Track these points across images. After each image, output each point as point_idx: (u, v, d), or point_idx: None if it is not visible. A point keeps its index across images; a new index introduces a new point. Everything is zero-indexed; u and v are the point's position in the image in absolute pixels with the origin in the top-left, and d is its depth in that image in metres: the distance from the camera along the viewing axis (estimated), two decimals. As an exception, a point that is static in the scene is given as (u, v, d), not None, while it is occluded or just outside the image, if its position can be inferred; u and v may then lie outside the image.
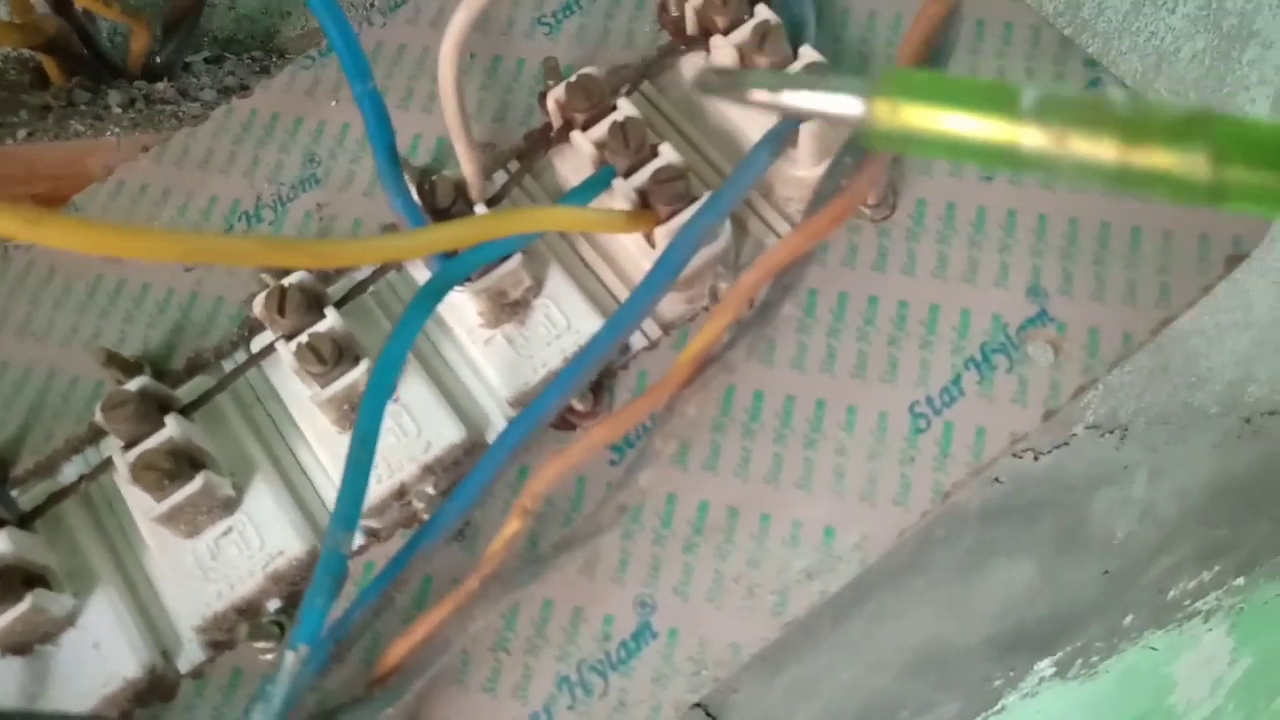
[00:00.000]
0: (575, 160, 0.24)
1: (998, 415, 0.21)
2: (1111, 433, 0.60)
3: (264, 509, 0.22)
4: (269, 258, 0.16)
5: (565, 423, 0.23)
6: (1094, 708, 0.61)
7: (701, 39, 0.25)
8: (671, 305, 0.23)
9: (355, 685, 0.20)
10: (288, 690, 0.17)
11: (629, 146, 0.22)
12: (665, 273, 0.21)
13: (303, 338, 0.22)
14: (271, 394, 0.24)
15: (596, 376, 0.23)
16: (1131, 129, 0.10)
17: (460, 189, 0.23)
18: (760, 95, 0.13)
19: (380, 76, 0.27)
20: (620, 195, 0.22)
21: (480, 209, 0.23)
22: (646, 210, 0.22)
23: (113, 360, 0.23)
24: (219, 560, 0.22)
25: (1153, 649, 0.60)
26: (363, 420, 0.19)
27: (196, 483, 0.21)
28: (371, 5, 0.27)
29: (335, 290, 0.24)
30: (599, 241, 0.24)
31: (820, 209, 0.17)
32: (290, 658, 0.17)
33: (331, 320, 0.22)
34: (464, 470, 0.23)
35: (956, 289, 0.23)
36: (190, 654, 0.22)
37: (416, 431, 0.22)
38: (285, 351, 0.22)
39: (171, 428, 0.22)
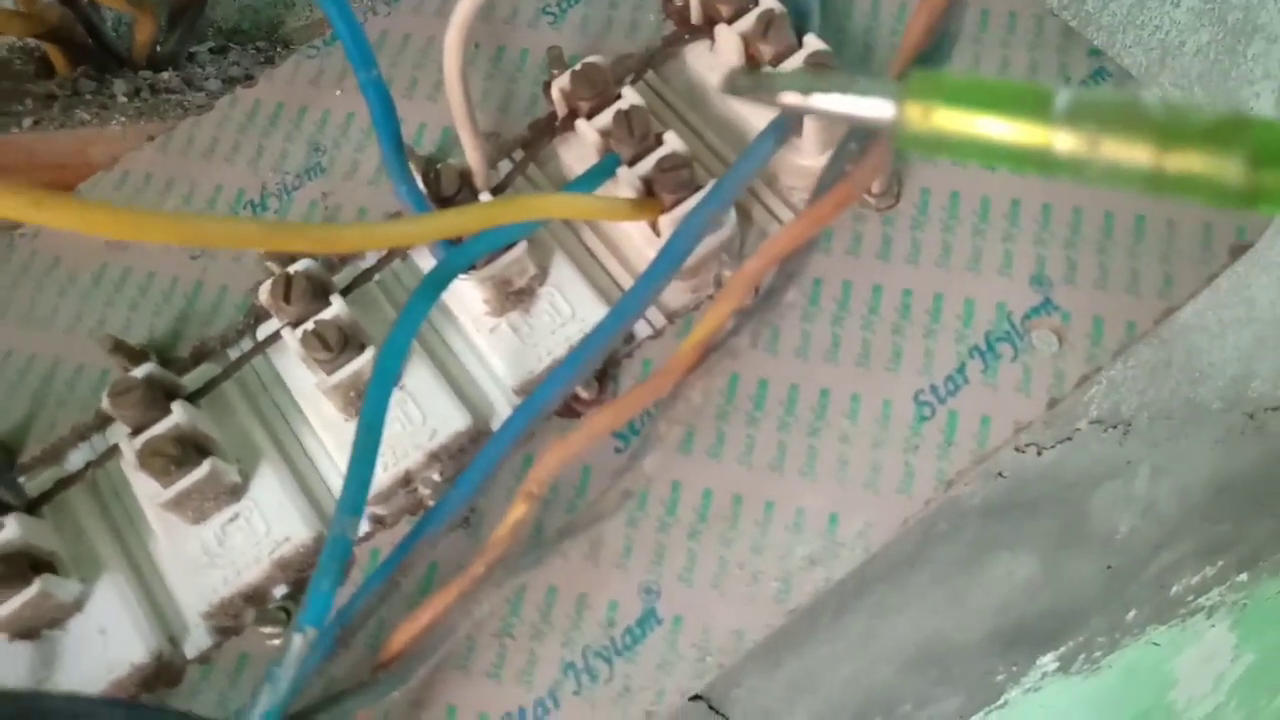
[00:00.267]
0: (580, 149, 0.24)
1: (1002, 403, 0.22)
2: (1114, 428, 0.60)
3: (270, 496, 0.22)
4: (271, 241, 0.17)
5: (570, 410, 0.23)
6: (1096, 703, 0.61)
7: (706, 28, 0.25)
8: (676, 294, 0.24)
9: (360, 671, 0.20)
10: (294, 674, 0.17)
11: (634, 135, 0.22)
12: (670, 260, 0.21)
13: (309, 325, 0.22)
14: (277, 381, 0.24)
15: (601, 365, 0.23)
16: (1166, 133, 0.10)
17: (465, 177, 0.23)
18: (790, 98, 0.13)
19: (385, 66, 0.27)
20: (625, 183, 0.22)
21: (485, 197, 0.23)
22: (651, 198, 0.22)
23: (119, 348, 0.23)
24: (225, 546, 0.22)
25: (1155, 644, 0.60)
26: (369, 407, 0.19)
27: (203, 469, 0.21)
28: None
29: (341, 278, 0.24)
30: (603, 230, 0.24)
31: (824, 195, 0.17)
32: (297, 641, 0.17)
33: (337, 307, 0.22)
34: (469, 458, 0.23)
35: (961, 278, 0.23)
36: (197, 640, 0.22)
37: (422, 419, 0.22)
38: (291, 339, 0.22)
39: (178, 414, 0.22)
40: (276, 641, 0.21)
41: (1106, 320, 0.22)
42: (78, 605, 0.22)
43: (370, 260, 0.25)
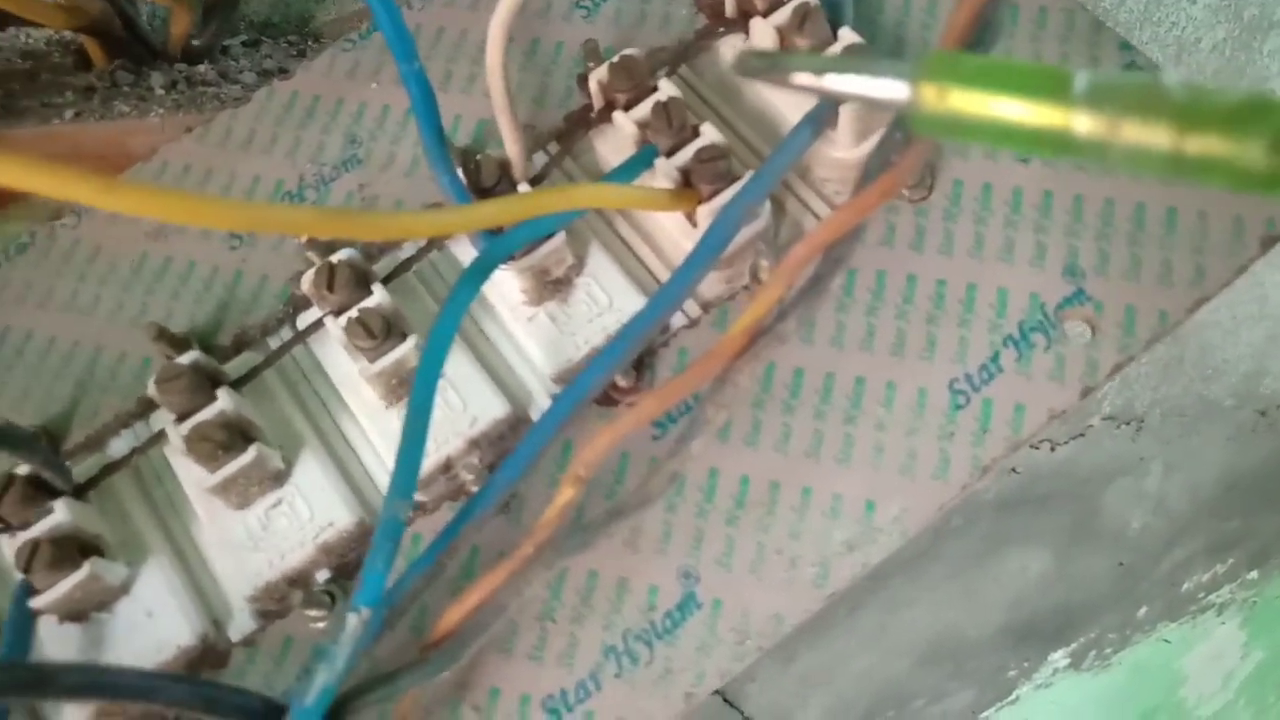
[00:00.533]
0: (616, 140, 0.25)
1: (1036, 392, 0.22)
2: (1127, 424, 0.60)
3: (313, 481, 0.23)
4: (326, 228, 0.17)
5: (607, 399, 0.23)
6: (1106, 700, 0.61)
7: (740, 21, 0.26)
8: (711, 284, 0.24)
9: (403, 652, 0.21)
10: (350, 652, 0.17)
11: (671, 126, 0.23)
12: (709, 250, 0.21)
13: (352, 313, 0.22)
14: (317, 370, 0.24)
15: (638, 354, 0.23)
16: (1187, 115, 0.10)
17: (504, 168, 0.24)
18: (802, 78, 0.13)
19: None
20: (662, 174, 0.23)
21: (524, 188, 0.23)
22: (689, 189, 0.23)
23: (162, 335, 0.24)
24: (269, 531, 0.22)
25: (1166, 641, 0.60)
26: (418, 391, 0.19)
27: (249, 454, 0.22)
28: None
29: (380, 268, 0.25)
30: (638, 221, 0.25)
31: (870, 184, 0.17)
32: (352, 620, 0.17)
33: (379, 296, 0.22)
34: (508, 445, 0.23)
35: (994, 268, 0.23)
36: (241, 623, 0.22)
37: (462, 406, 0.23)
38: (334, 327, 0.22)
39: (224, 401, 0.22)
40: (321, 625, 0.22)
41: (1139, 310, 0.22)
42: (124, 588, 0.22)
43: (409, 251, 0.25)
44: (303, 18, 0.32)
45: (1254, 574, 0.61)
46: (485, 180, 0.23)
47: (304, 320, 0.25)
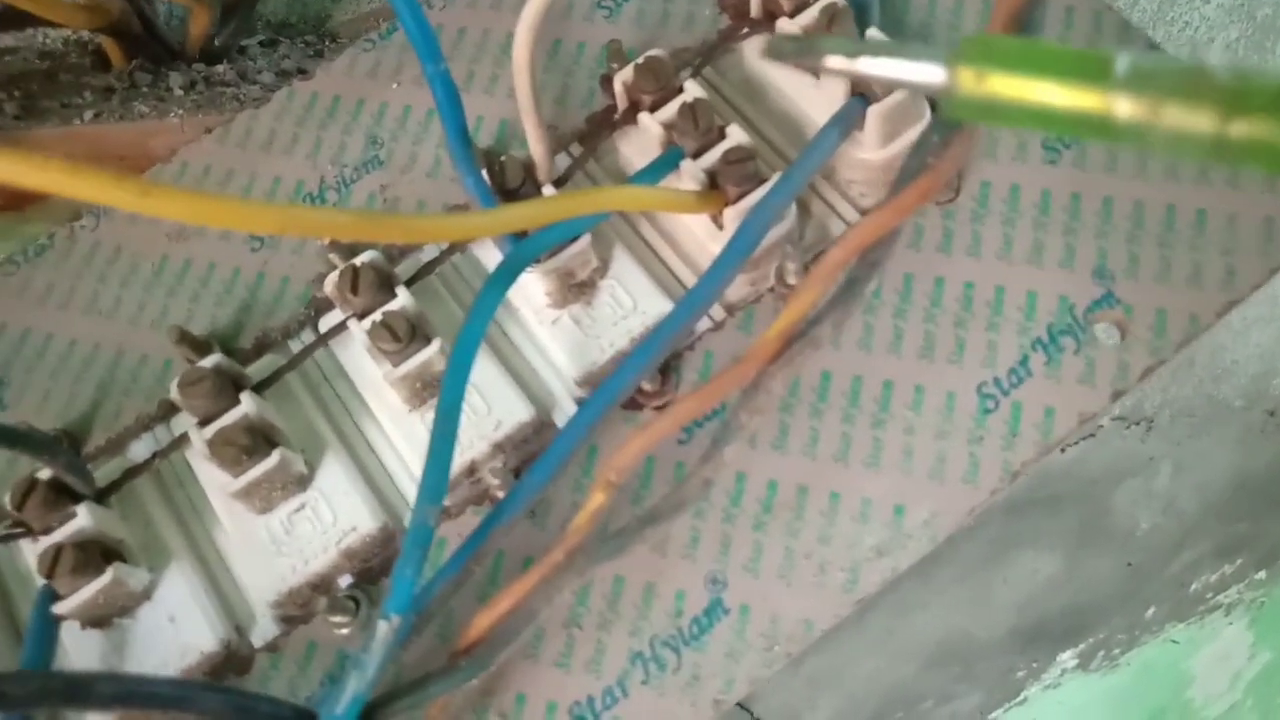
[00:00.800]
0: (641, 142, 0.24)
1: (1066, 396, 0.22)
2: (1137, 424, 0.60)
3: (336, 486, 0.23)
4: (360, 231, 0.17)
5: (633, 403, 0.23)
6: (1114, 700, 0.61)
7: (765, 21, 0.25)
8: (736, 287, 0.24)
9: (430, 658, 0.21)
10: (380, 659, 0.17)
11: (698, 127, 0.23)
12: (737, 252, 0.21)
13: (376, 316, 0.22)
14: (339, 373, 0.24)
15: (665, 358, 0.23)
16: (1232, 99, 0.09)
17: (529, 170, 0.23)
18: (836, 61, 0.12)
19: (440, 60, 0.27)
20: (689, 176, 0.22)
21: (548, 190, 0.23)
22: (715, 191, 0.22)
23: (184, 338, 0.23)
24: (292, 536, 0.22)
25: (1174, 642, 0.60)
26: (446, 395, 0.19)
27: (273, 459, 0.21)
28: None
29: (403, 270, 0.25)
30: (662, 224, 0.25)
31: (907, 186, 0.17)
32: (383, 628, 0.17)
33: (403, 299, 0.22)
34: (532, 448, 0.23)
35: (1022, 271, 0.23)
36: (264, 628, 0.22)
37: (487, 410, 0.23)
38: (358, 330, 0.22)
39: (247, 405, 0.22)
40: (345, 631, 0.22)
41: (1170, 313, 0.22)
42: (147, 594, 0.22)
43: (432, 253, 0.25)
44: (320, 17, 0.32)
45: (1262, 574, 0.60)
46: (510, 182, 0.23)
47: (326, 323, 0.25)
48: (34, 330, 0.26)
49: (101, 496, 0.23)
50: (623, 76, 0.24)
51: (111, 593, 0.21)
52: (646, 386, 0.23)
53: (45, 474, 0.22)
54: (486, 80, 0.27)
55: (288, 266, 0.26)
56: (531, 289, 0.23)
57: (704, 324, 0.24)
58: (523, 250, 0.21)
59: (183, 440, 0.24)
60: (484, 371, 0.23)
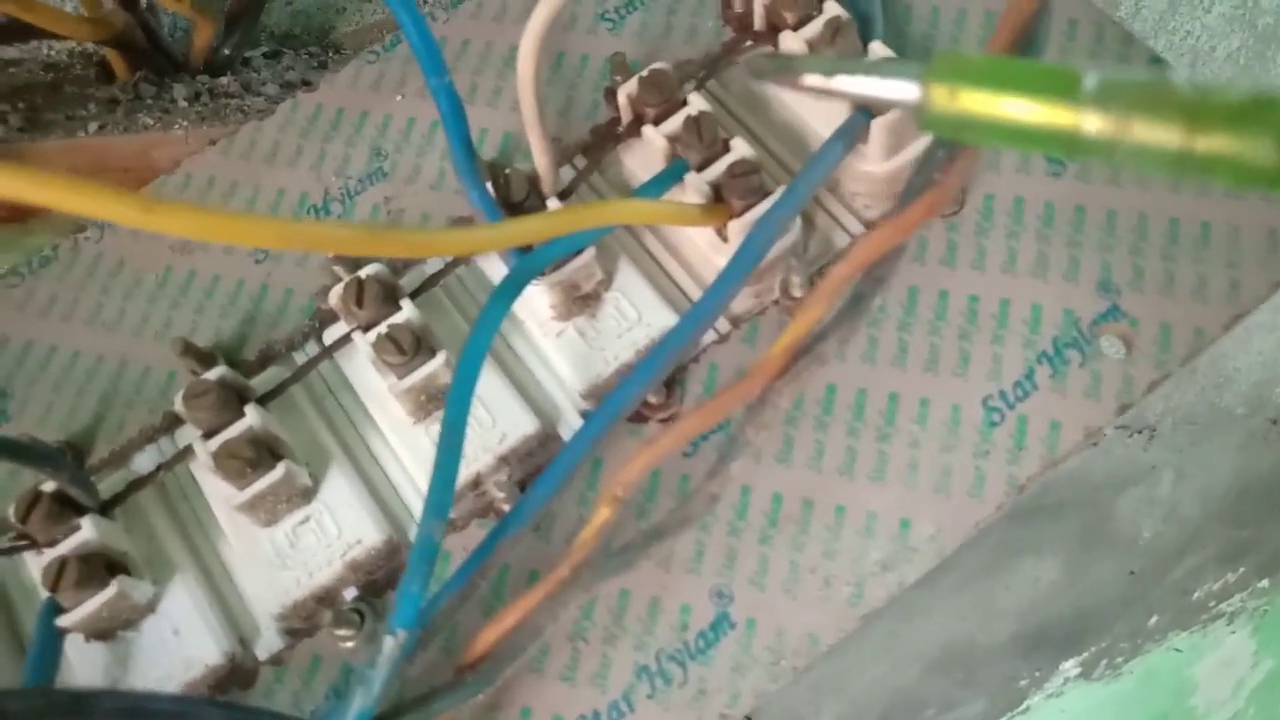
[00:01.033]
0: (645, 155, 0.25)
1: (1072, 409, 0.22)
2: (1140, 433, 0.60)
3: (341, 498, 0.23)
4: (368, 246, 0.17)
5: (638, 416, 0.23)
6: (1117, 709, 0.61)
7: (769, 34, 0.26)
8: (741, 299, 0.24)
9: (435, 673, 0.21)
10: (386, 675, 0.17)
11: (702, 140, 0.23)
12: (743, 265, 0.21)
13: (381, 328, 0.22)
14: (344, 385, 0.24)
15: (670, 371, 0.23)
16: (1195, 113, 0.10)
17: (533, 183, 0.23)
18: (813, 80, 0.12)
19: (444, 72, 0.27)
20: (693, 189, 0.22)
21: (553, 202, 0.23)
22: (720, 204, 0.22)
23: (188, 350, 0.23)
24: (297, 549, 0.22)
25: (1176, 650, 0.60)
26: (451, 409, 0.19)
27: (278, 471, 0.21)
28: (434, 0, 0.27)
29: (407, 283, 0.25)
30: (667, 237, 0.25)
31: (913, 201, 0.17)
32: (389, 643, 0.17)
33: (408, 311, 0.22)
34: (537, 461, 0.23)
35: (1027, 284, 0.23)
36: (268, 641, 0.22)
37: (492, 423, 0.23)
38: (363, 343, 0.22)
39: (251, 417, 0.22)
40: (350, 644, 0.22)
41: (1175, 326, 0.22)
42: (151, 607, 0.22)
43: (436, 266, 0.25)
44: (323, 29, 0.32)
45: (1264, 582, 0.60)
46: (515, 194, 0.23)
47: (330, 335, 0.25)
48: (37, 342, 0.26)
49: (106, 509, 0.23)
50: (627, 89, 0.24)
51: (115, 606, 0.21)
52: (651, 399, 0.23)
53: (49, 486, 0.22)
54: (490, 93, 0.27)
55: (292, 279, 0.26)
56: (536, 302, 0.23)
57: (709, 337, 0.24)
58: (528, 263, 0.21)
59: (187, 453, 0.24)
60: (489, 384, 0.23)
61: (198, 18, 0.29)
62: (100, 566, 0.21)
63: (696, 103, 0.23)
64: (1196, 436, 0.59)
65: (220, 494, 0.22)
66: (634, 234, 0.25)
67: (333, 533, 0.22)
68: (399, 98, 0.27)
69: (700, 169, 0.23)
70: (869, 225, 0.24)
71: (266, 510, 0.22)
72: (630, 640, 0.21)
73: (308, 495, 0.23)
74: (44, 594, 0.21)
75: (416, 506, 0.23)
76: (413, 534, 0.22)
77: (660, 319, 0.23)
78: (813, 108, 0.24)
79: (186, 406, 0.22)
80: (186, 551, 0.23)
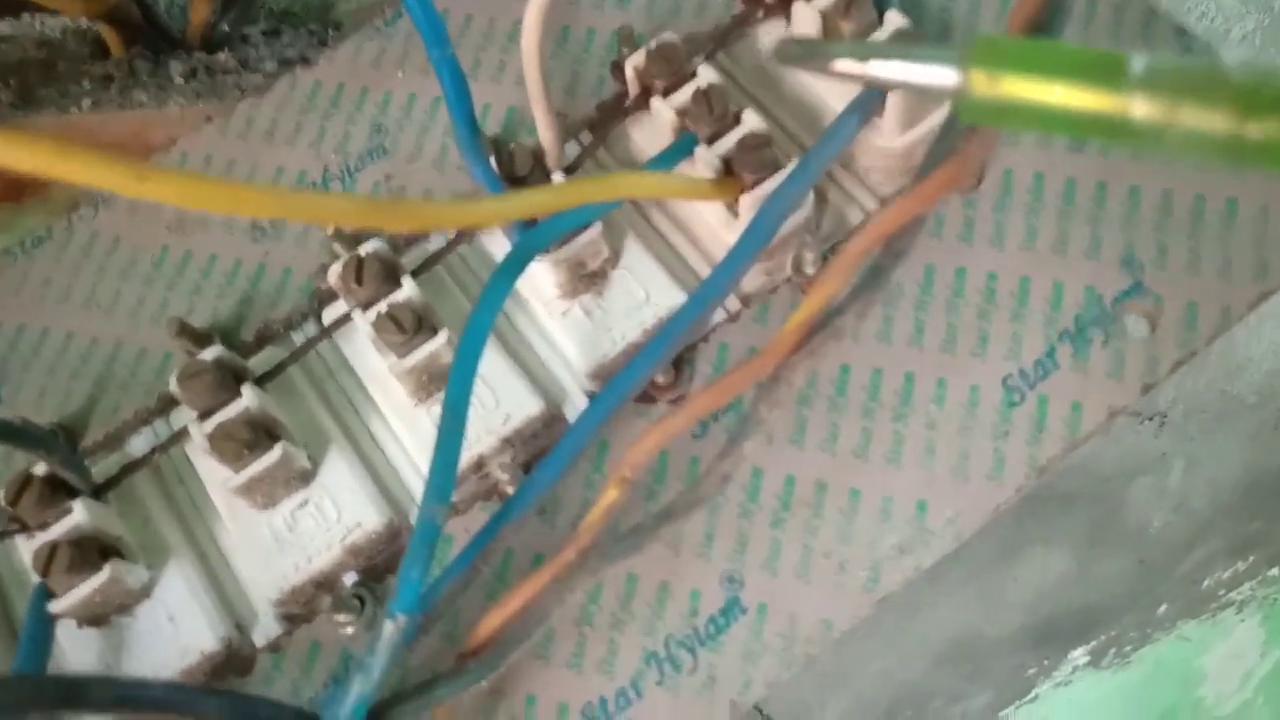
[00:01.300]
0: (653, 129, 0.24)
1: (1094, 389, 0.21)
2: (1150, 420, 0.59)
3: (340, 481, 0.22)
4: (368, 217, 0.16)
5: (645, 396, 0.22)
6: (1125, 699, 0.60)
7: (780, 6, 0.25)
8: (752, 278, 0.23)
9: (436, 659, 0.20)
10: (386, 661, 0.16)
11: (712, 113, 0.22)
12: (754, 241, 0.20)
13: (381, 307, 0.21)
14: (344, 366, 0.24)
15: (678, 351, 0.22)
16: (1248, 98, 0.09)
17: (538, 158, 0.23)
18: (845, 65, 0.12)
19: (446, 46, 0.26)
20: (703, 163, 0.22)
21: (558, 177, 0.23)
22: (731, 178, 0.22)
23: (184, 331, 0.23)
24: (295, 533, 0.21)
25: (1185, 640, 0.59)
26: (453, 389, 0.18)
27: (275, 453, 0.21)
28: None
29: (408, 261, 0.24)
30: (675, 213, 0.24)
31: (933, 173, 0.16)
32: (389, 628, 0.16)
33: (409, 289, 0.22)
34: (542, 443, 0.22)
35: (1047, 261, 0.22)
36: (266, 628, 0.22)
37: (495, 404, 0.22)
38: (363, 322, 0.22)
39: (248, 398, 0.21)
40: (349, 630, 0.21)
41: (1200, 305, 0.21)
42: (145, 592, 0.22)
43: (438, 243, 0.24)
44: (323, 6, 0.32)
45: (1274, 571, 0.60)
46: (519, 169, 0.22)
47: (329, 315, 0.24)
48: (30, 324, 0.25)
49: (99, 493, 0.23)
50: (634, 61, 0.23)
51: (108, 591, 0.21)
52: (660, 380, 0.22)
53: (41, 469, 0.21)
54: (494, 68, 0.26)
55: (290, 258, 0.25)
56: (541, 280, 0.23)
57: (719, 316, 0.23)
58: (532, 239, 0.21)
59: (182, 435, 0.23)
60: (492, 364, 0.22)
61: (196, -7, 0.29)
62: (93, 551, 0.21)
63: (706, 74, 0.23)
64: (1207, 426, 0.59)
65: (216, 477, 0.22)
66: (641, 211, 0.24)
67: (332, 516, 0.22)
68: (400, 74, 0.27)
69: (710, 142, 0.22)
70: (884, 201, 0.23)
71: (264, 493, 0.21)
72: (638, 626, 0.20)
73: (306, 478, 0.22)
74: (35, 579, 0.21)
75: (418, 489, 0.22)
76: (414, 517, 0.21)
77: (669, 298, 0.22)
78: (826, 82, 0.24)
79: (181, 387, 0.21)
80: (182, 536, 0.22)
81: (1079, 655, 0.57)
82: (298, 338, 0.24)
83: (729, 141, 0.22)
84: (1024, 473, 0.21)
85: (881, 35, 0.22)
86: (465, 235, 0.24)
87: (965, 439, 0.21)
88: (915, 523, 0.20)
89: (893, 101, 0.22)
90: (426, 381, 0.22)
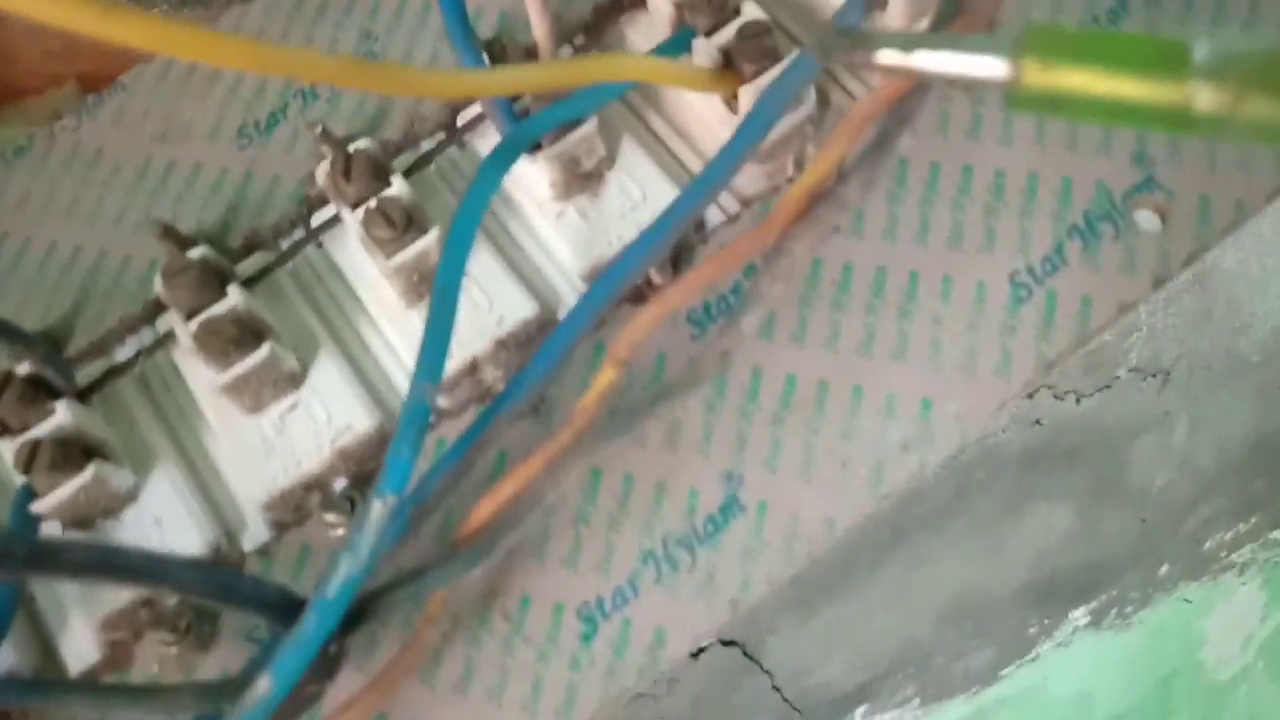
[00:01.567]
0: (649, 25, 0.23)
1: (1104, 284, 0.20)
2: (1154, 376, 0.58)
3: (330, 384, 0.21)
4: (349, 76, 0.15)
5: (640, 296, 0.22)
6: (1125, 661, 0.60)
7: (781, -99, 0.24)
8: (752, 179, 0.22)
9: (429, 560, 0.19)
10: (374, 542, 0.16)
11: (711, 4, 0.21)
12: (753, 131, 0.20)
13: (370, 203, 0.21)
14: (333, 271, 0.23)
15: (675, 251, 0.22)
16: None
17: (531, 55, 0.22)
18: (890, 56, 0.12)
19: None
20: (702, 54, 0.21)
21: (552, 73, 0.22)
22: (730, 70, 0.21)
23: (169, 234, 0.22)
24: (284, 436, 0.21)
25: (1186, 601, 0.59)
26: (444, 268, 0.18)
27: (262, 351, 0.20)
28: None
29: (399, 163, 0.23)
30: (672, 113, 0.23)
31: (941, 30, 0.16)
32: (377, 507, 0.16)
33: (399, 187, 0.21)
34: (536, 348, 0.22)
35: (1056, 156, 0.22)
36: (255, 533, 0.21)
37: (488, 305, 0.21)
38: (352, 220, 0.21)
39: (234, 296, 0.21)
40: (339, 531, 0.21)
41: (1214, 198, 0.21)
42: (131, 495, 0.21)
43: (429, 145, 0.24)
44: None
45: (1277, 534, 0.59)
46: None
47: (318, 220, 0.23)
48: (11, 235, 0.25)
49: (83, 396, 0.22)
50: (631, -46, 0.23)
51: (92, 491, 0.20)
52: (655, 278, 0.22)
53: (23, 370, 0.21)
54: (486, -30, 0.26)
55: (278, 165, 0.24)
56: (535, 181, 0.22)
57: (718, 217, 0.22)
58: (524, 128, 0.20)
59: (168, 339, 0.23)
60: (486, 266, 0.22)
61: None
62: (76, 451, 0.20)
63: (704, -34, 0.22)
64: (1212, 383, 0.58)
65: (203, 380, 0.21)
66: (637, 111, 0.23)
67: (321, 419, 0.21)
68: (390, -22, 0.26)
69: (709, 34, 0.21)
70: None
71: (251, 395, 0.21)
72: (635, 525, 0.20)
73: (295, 381, 0.21)
74: (18, 481, 0.20)
75: (409, 393, 0.22)
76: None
77: (666, 198, 0.22)
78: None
79: (166, 285, 0.21)
80: (168, 440, 0.22)
81: (1080, 615, 0.57)
82: (286, 244, 0.23)
83: (728, 33, 0.21)
84: (1032, 368, 0.20)
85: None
86: (457, 136, 0.24)
87: (972, 335, 0.20)
88: (920, 419, 0.20)
89: (897, -8, 0.21)
90: (417, 281, 0.21)
